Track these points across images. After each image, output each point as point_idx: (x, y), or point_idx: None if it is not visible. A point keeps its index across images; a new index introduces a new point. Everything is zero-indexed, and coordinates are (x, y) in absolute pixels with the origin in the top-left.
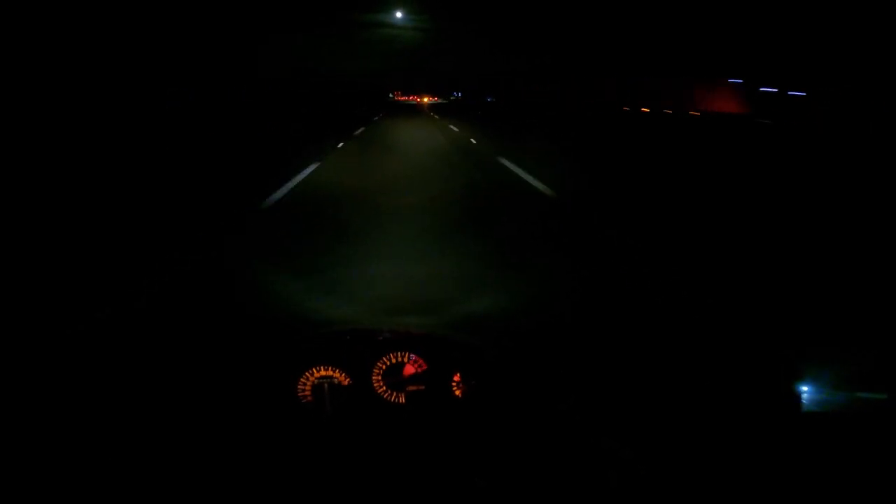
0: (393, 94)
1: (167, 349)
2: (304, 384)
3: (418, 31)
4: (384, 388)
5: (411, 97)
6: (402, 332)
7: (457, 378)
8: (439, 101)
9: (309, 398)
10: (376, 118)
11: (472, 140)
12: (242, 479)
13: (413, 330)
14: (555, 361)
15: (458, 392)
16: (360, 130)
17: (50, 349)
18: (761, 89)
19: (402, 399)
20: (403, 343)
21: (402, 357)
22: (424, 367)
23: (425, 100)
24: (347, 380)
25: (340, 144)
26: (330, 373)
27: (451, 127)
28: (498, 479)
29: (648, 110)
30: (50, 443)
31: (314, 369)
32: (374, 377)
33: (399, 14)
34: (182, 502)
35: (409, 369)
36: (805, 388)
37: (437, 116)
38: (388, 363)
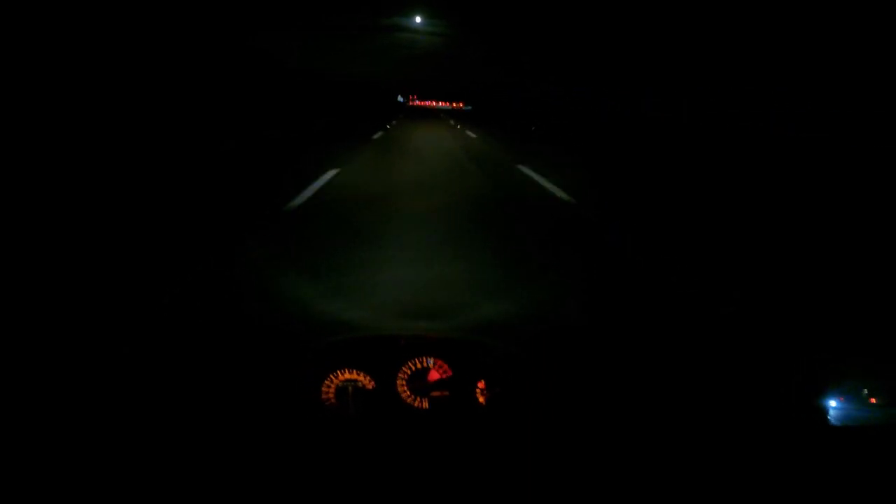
0: (409, 97)
1: (188, 350)
2: (329, 387)
3: (437, 35)
4: (408, 392)
5: (428, 102)
6: (426, 336)
7: (481, 385)
8: (463, 107)
9: (333, 401)
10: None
11: None
12: (265, 481)
13: (437, 334)
14: (580, 370)
15: (481, 399)
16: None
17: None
18: None
19: (425, 404)
20: (428, 347)
21: (427, 362)
22: (449, 373)
23: (442, 104)
24: (372, 384)
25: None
26: (354, 376)
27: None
28: (517, 487)
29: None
30: (74, 443)
31: (339, 372)
32: (398, 381)
33: (419, 19)
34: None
35: (434, 375)
36: (833, 403)
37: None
38: (413, 368)
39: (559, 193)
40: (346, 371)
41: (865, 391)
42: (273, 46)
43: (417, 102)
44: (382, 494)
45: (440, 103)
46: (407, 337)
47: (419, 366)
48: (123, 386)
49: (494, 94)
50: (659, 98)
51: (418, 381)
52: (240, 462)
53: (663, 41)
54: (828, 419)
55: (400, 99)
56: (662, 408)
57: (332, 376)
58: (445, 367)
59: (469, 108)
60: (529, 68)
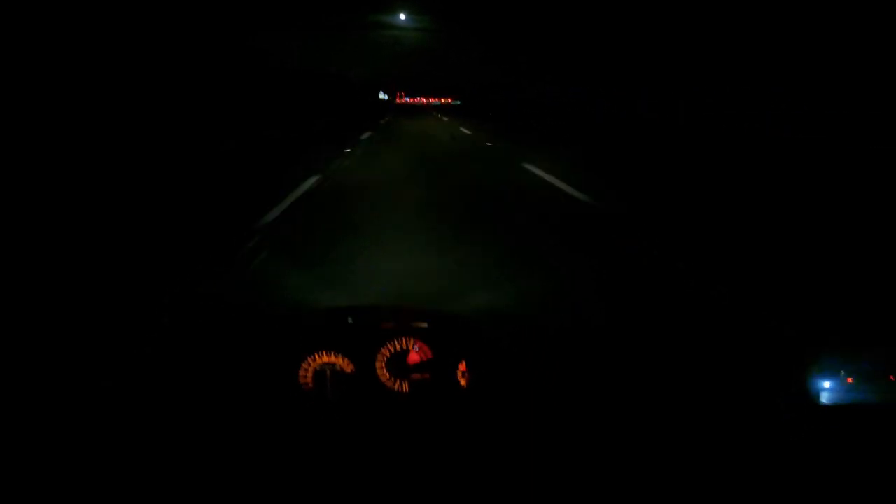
0: (397, 94)
1: (162, 332)
2: (306, 370)
3: (423, 31)
4: (388, 376)
5: (417, 99)
6: (405, 310)
7: (462, 367)
8: (452, 102)
9: (310, 385)
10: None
11: None
12: (242, 468)
13: (417, 307)
14: (565, 355)
15: (462, 381)
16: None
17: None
18: None
19: (405, 387)
20: (408, 324)
21: (407, 344)
22: (430, 356)
23: (433, 101)
24: (350, 367)
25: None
26: (332, 359)
27: None
28: (499, 470)
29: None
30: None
31: (316, 355)
32: (377, 364)
33: (403, 16)
34: (180, 492)
35: (414, 357)
36: (827, 384)
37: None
38: (393, 350)
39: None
40: (324, 354)
41: (842, 372)
42: (259, 45)
43: (408, 100)
44: (363, 480)
45: (430, 99)
46: (385, 310)
47: (399, 348)
48: (104, 375)
49: (487, 93)
50: (655, 99)
51: (398, 364)
52: (214, 449)
53: (660, 42)
54: (819, 400)
55: (383, 96)
56: (648, 394)
57: (309, 359)
58: (426, 348)
59: (458, 102)
60: (522, 67)
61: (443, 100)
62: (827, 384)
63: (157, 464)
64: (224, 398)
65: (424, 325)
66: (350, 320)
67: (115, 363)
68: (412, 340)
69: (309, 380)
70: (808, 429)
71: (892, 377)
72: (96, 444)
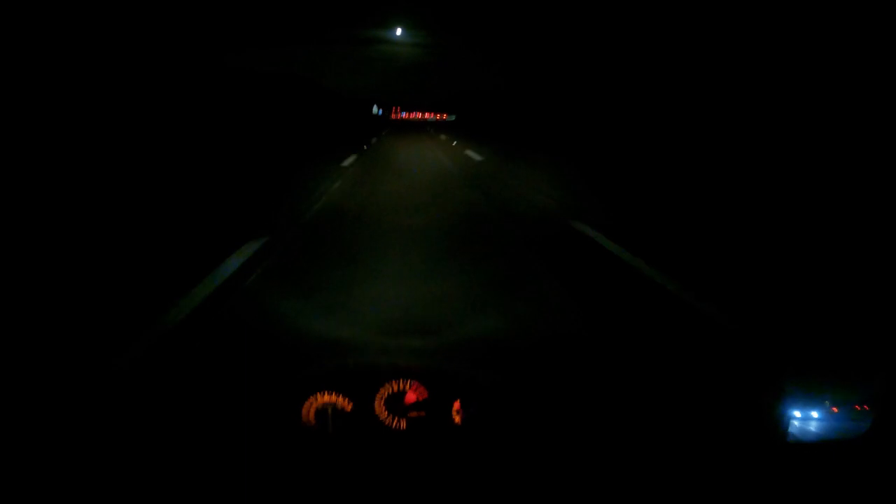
0: (393, 109)
1: (178, 369)
2: (309, 409)
3: (420, 47)
4: (386, 414)
5: (413, 114)
6: (403, 366)
7: (457, 406)
8: (447, 118)
9: (312, 423)
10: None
11: None
12: (246, 500)
13: (413, 364)
14: (553, 390)
15: (457, 419)
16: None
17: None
18: None
19: (403, 425)
20: (404, 369)
21: (404, 385)
22: (425, 395)
23: (428, 116)
24: (350, 405)
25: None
26: (333, 398)
27: None
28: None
29: None
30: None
31: (318, 395)
32: (376, 403)
33: (399, 31)
34: None
35: (411, 396)
36: (797, 413)
37: None
38: (391, 390)
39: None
40: (326, 393)
41: (827, 402)
42: (251, 63)
43: (403, 115)
44: None
45: (426, 115)
46: (383, 365)
47: (396, 388)
48: (113, 397)
49: (480, 107)
50: (651, 104)
51: (396, 403)
52: (221, 480)
53: (658, 42)
54: (787, 435)
55: (378, 111)
56: (632, 426)
57: (311, 399)
58: (422, 388)
59: (453, 118)
60: (517, 79)
61: (438, 116)
62: (815, 414)
63: (163, 494)
64: (229, 433)
65: (420, 366)
66: (350, 363)
67: (129, 388)
68: (409, 381)
69: (311, 417)
70: (781, 464)
71: (859, 407)
72: (108, 473)
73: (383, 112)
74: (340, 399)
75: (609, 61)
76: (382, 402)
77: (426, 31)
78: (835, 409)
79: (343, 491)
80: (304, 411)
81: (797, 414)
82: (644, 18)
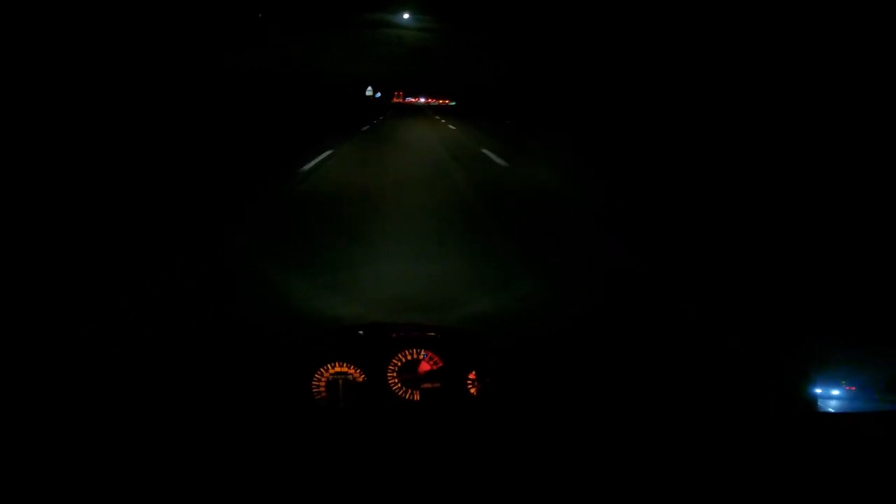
0: (395, 94)
1: (176, 342)
2: (319, 380)
3: (424, 31)
4: (399, 385)
5: (415, 99)
6: (415, 325)
7: (472, 376)
8: (449, 103)
9: (323, 395)
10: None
11: None
12: (256, 475)
13: (427, 323)
14: (569, 361)
15: (472, 390)
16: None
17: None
18: None
19: (416, 396)
20: (418, 338)
21: (418, 354)
22: (440, 365)
23: (430, 101)
24: (362, 376)
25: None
26: (345, 369)
27: None
28: (509, 478)
29: None
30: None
31: (329, 366)
32: (388, 374)
33: (406, 15)
34: (194, 498)
35: (425, 366)
36: (818, 390)
37: None
38: (404, 360)
39: None
40: (337, 364)
41: (843, 381)
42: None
43: (408, 99)
44: (375, 487)
45: (429, 100)
46: (398, 326)
47: (410, 357)
48: (113, 379)
49: (475, 94)
50: (649, 100)
51: (409, 373)
52: (231, 456)
53: (656, 43)
54: (816, 407)
55: (375, 94)
56: (652, 400)
57: (321, 370)
58: (436, 358)
59: (453, 103)
60: (520, 68)
61: (440, 101)
62: (835, 392)
63: (170, 471)
64: (239, 407)
65: (434, 335)
66: (361, 333)
67: (132, 370)
68: (422, 351)
69: (322, 389)
70: (807, 436)
71: (850, 388)
72: (108, 452)
73: (381, 95)
74: (352, 370)
75: (600, 53)
76: (395, 373)
77: (431, 17)
78: (852, 388)
79: (355, 464)
80: (314, 383)
81: (817, 391)
82: (644, 18)
